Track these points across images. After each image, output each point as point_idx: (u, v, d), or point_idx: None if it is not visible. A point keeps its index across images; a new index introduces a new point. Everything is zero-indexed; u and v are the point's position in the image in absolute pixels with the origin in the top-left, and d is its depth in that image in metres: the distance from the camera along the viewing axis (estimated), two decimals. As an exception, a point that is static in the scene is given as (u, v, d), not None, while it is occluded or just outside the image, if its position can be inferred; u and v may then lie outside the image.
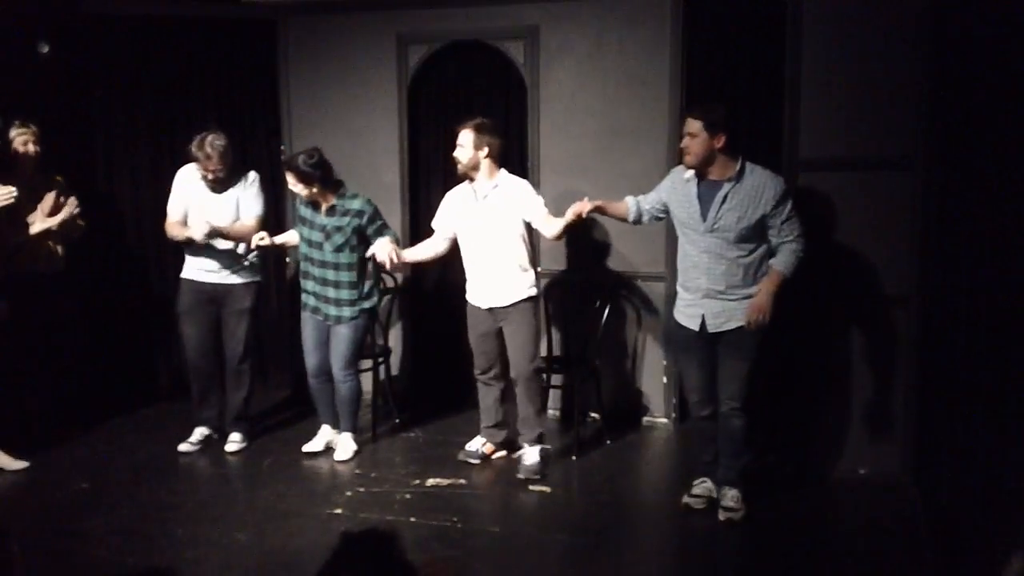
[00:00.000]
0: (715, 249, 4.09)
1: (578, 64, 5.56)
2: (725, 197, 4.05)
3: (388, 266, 4.81)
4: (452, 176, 5.95)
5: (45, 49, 5.53)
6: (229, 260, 5.07)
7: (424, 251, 5.01)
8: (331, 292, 4.90)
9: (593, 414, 5.63)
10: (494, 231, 4.71)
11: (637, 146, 5.49)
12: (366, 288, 4.96)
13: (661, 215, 4.42)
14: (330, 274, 4.89)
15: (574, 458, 5.07)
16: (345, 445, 5.09)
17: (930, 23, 4.44)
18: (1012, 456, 4.39)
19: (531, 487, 4.68)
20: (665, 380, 5.64)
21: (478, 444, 5.02)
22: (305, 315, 5.05)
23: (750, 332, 4.08)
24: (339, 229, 4.83)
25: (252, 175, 5.16)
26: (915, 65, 4.49)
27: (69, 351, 5.43)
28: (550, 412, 5.62)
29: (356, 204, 4.85)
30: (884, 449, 4.70)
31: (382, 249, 4.73)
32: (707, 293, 4.13)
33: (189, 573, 3.72)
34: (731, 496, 4.24)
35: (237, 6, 6.03)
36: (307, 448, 5.11)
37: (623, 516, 4.47)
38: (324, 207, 4.85)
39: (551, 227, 4.64)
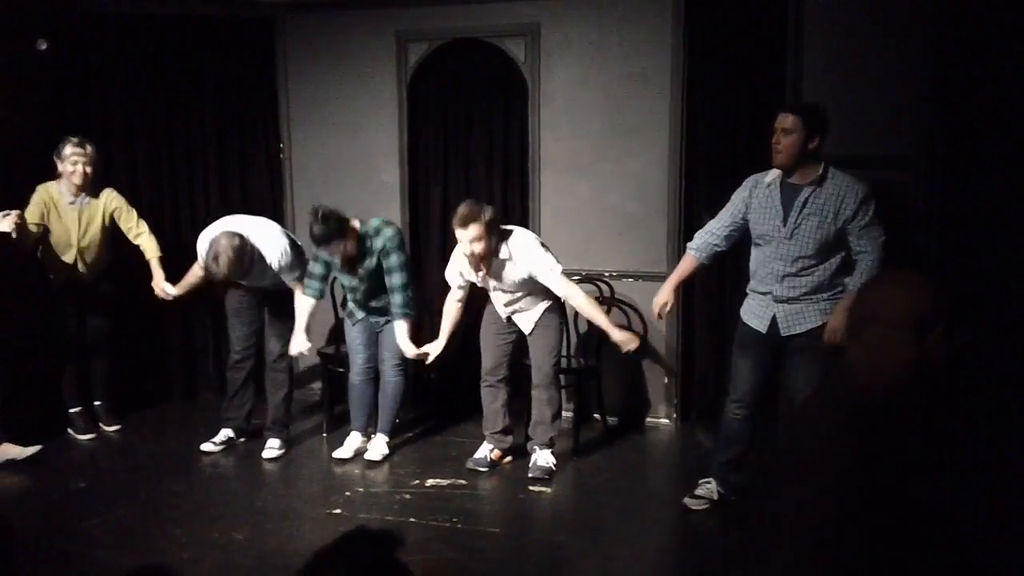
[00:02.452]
0: (793, 255, 3.96)
1: (579, 62, 5.54)
2: (805, 202, 3.91)
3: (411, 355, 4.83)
4: (451, 175, 5.96)
5: (43, 47, 5.50)
6: (276, 279, 5.01)
7: (449, 324, 4.88)
8: (381, 302, 4.90)
9: (594, 415, 5.61)
10: (509, 290, 4.71)
11: (638, 145, 5.47)
12: (410, 293, 4.87)
13: (736, 233, 4.20)
14: (376, 295, 4.90)
15: (575, 458, 5.05)
16: (377, 446, 5.03)
17: (933, 21, 4.42)
18: (1012, 457, 4.37)
19: (531, 487, 4.65)
20: (667, 381, 5.62)
21: (485, 451, 4.95)
22: (351, 322, 5.06)
23: (824, 340, 3.92)
24: (371, 271, 4.81)
25: (280, 247, 4.93)
26: (917, 63, 4.47)
27: (75, 351, 5.42)
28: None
29: (379, 242, 4.77)
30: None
31: (404, 345, 4.81)
32: (778, 298, 4.03)
33: (187, 573, 3.70)
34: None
35: (235, 4, 6.01)
36: (338, 455, 5.05)
37: (624, 517, 4.44)
38: (350, 262, 4.81)
39: (573, 303, 4.65)
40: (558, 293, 4.61)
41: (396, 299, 4.79)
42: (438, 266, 5.87)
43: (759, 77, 5.12)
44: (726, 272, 5.26)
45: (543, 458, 4.76)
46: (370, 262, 4.80)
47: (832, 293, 4.00)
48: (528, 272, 4.55)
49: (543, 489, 4.65)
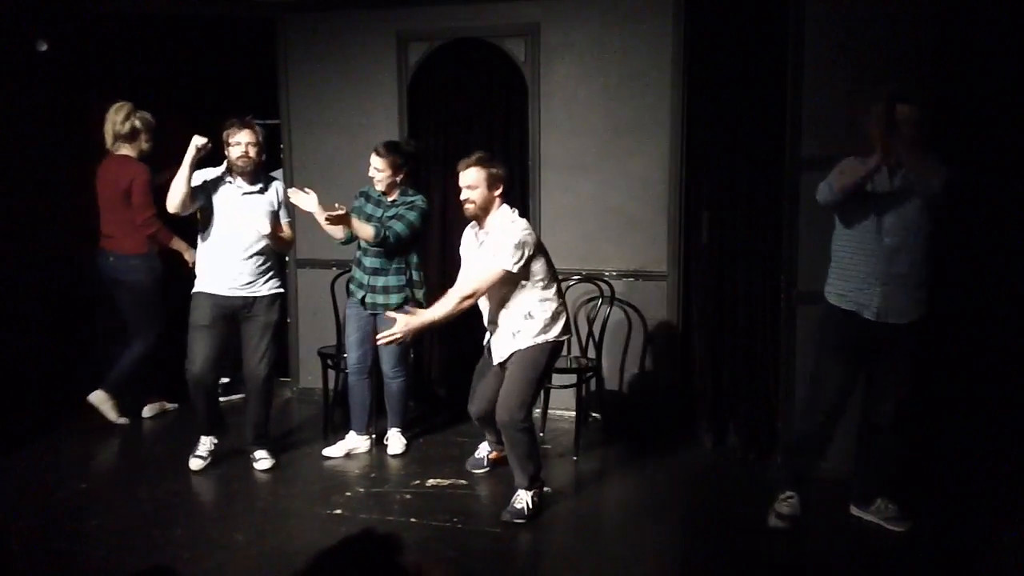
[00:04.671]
0: None
1: (579, 61, 5.54)
2: None
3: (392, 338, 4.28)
4: (452, 175, 5.93)
5: (43, 47, 5.51)
6: (255, 273, 4.77)
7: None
8: (380, 280, 4.94)
9: (594, 414, 5.61)
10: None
11: (639, 144, 5.47)
12: (414, 275, 4.99)
13: None
14: (381, 262, 4.92)
15: (575, 459, 5.05)
16: (396, 441, 5.19)
17: (933, 20, 4.42)
18: (1011, 457, 4.37)
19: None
20: (667, 381, 5.62)
21: (484, 452, 4.94)
22: (351, 312, 5.09)
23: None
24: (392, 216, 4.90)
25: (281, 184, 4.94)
26: (918, 62, 4.47)
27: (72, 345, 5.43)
28: (554, 412, 5.61)
29: (416, 198, 4.96)
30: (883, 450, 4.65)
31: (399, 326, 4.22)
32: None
33: (187, 573, 3.70)
34: (892, 508, 4.12)
35: (236, 4, 6.01)
36: (327, 452, 5.09)
37: (624, 517, 4.45)
38: (389, 199, 4.94)
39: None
40: (471, 277, 4.30)
41: (391, 225, 4.84)
42: (436, 267, 5.88)
43: (759, 77, 5.12)
44: (725, 271, 5.26)
45: (519, 500, 4.28)
46: (400, 200, 4.92)
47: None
48: (493, 249, 4.23)
49: (544, 489, 4.63)
